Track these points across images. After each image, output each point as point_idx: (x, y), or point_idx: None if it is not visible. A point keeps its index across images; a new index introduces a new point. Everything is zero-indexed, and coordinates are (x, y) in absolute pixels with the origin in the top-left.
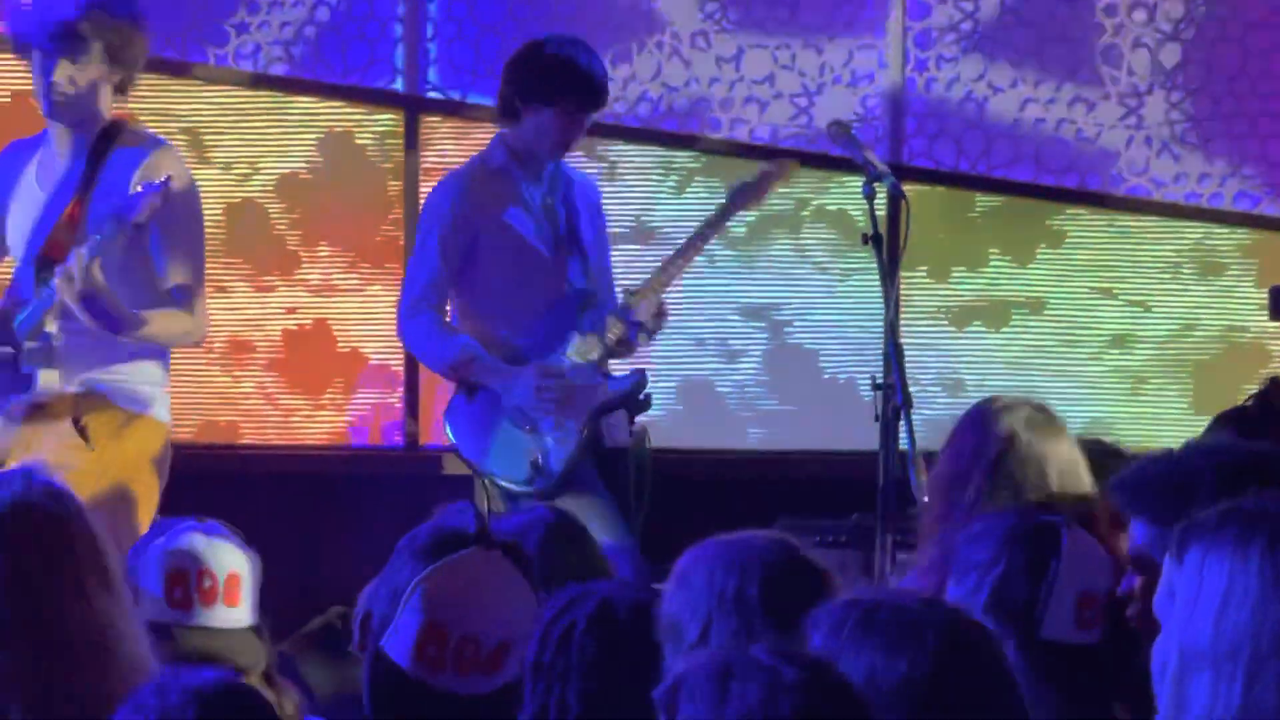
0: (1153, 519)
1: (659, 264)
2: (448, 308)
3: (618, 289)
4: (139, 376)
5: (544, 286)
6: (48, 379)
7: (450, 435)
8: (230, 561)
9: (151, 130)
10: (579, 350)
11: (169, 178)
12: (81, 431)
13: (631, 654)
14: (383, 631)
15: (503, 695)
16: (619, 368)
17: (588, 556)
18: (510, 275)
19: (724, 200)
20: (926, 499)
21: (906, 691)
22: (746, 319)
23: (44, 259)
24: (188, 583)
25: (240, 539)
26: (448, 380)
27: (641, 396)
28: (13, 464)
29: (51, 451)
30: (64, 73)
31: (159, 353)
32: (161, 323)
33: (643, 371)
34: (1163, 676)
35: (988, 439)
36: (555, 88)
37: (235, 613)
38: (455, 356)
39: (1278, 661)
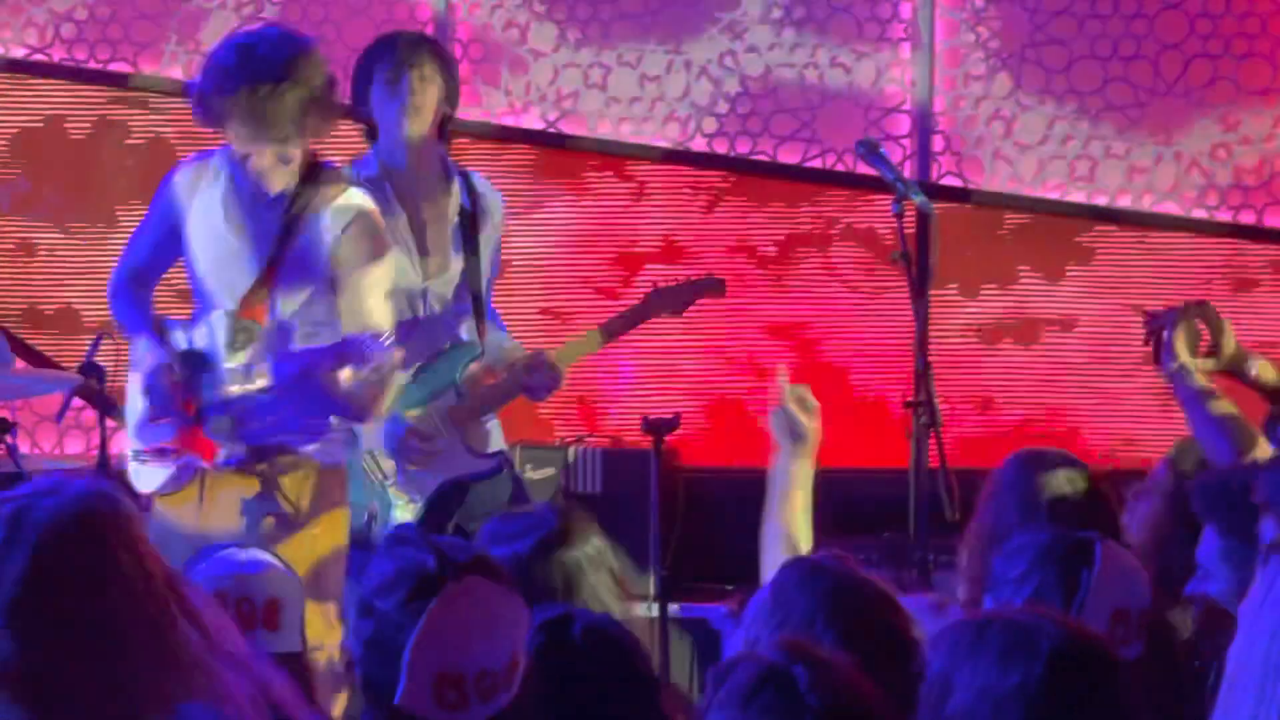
0: (1227, 529)
1: (571, 343)
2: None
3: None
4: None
5: (417, 326)
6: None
7: None
8: (271, 587)
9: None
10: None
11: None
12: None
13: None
14: (388, 691)
15: (519, 697)
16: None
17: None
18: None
19: (643, 302)
20: (965, 554)
21: (1020, 700)
22: (776, 338)
23: (240, 318)
24: (226, 606)
25: (283, 564)
26: None
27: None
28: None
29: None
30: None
31: None
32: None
33: (504, 455)
34: (1225, 680)
35: (1032, 502)
36: (372, 66)
37: (276, 638)
38: None
39: None
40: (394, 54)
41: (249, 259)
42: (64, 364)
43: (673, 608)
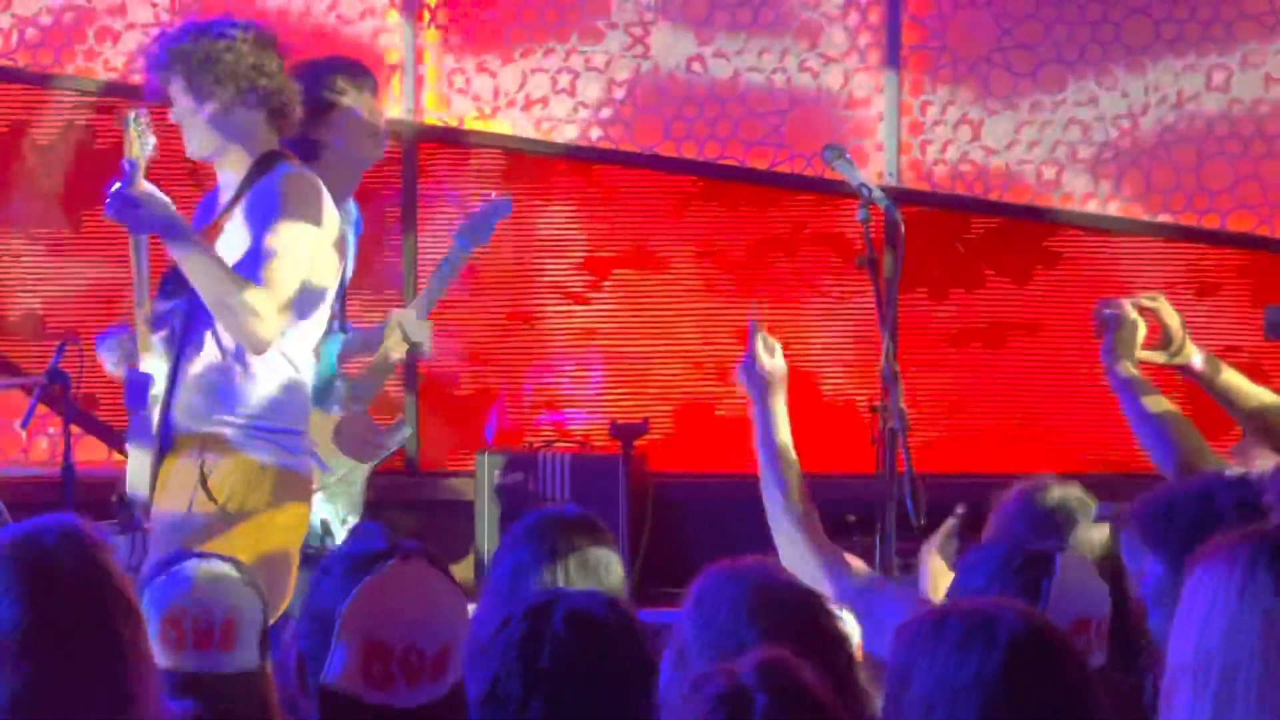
0: (1164, 558)
1: (419, 299)
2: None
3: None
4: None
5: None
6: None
7: None
8: (229, 603)
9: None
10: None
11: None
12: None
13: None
14: (319, 665)
15: (450, 699)
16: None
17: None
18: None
19: (456, 240)
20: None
21: (978, 690)
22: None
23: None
24: (182, 625)
25: (245, 572)
26: None
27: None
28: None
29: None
30: None
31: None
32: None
33: (402, 419)
34: (1162, 693)
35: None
36: (338, 77)
37: (231, 657)
38: None
39: (1247, 673)
40: (364, 77)
41: None
42: (28, 370)
43: (641, 613)
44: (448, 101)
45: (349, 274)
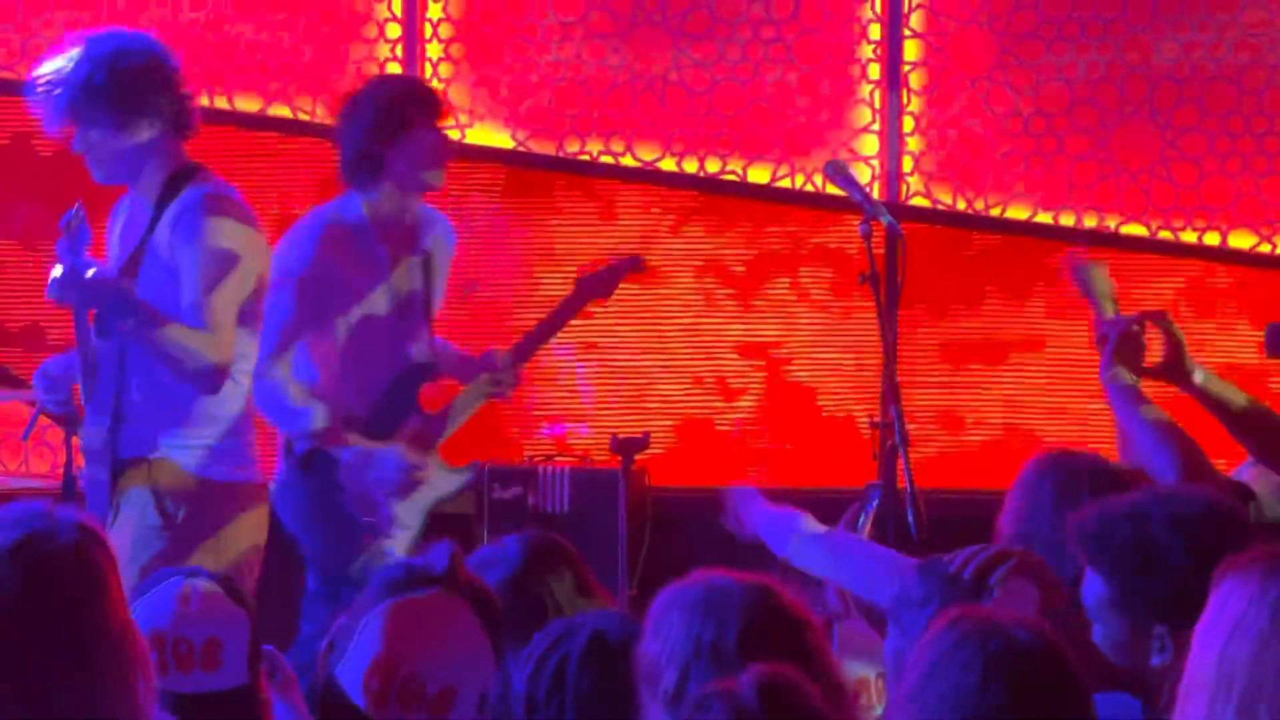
0: (1114, 585)
1: (521, 343)
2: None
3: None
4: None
5: (385, 357)
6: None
7: (275, 510)
8: (212, 621)
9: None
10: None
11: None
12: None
13: (626, 685)
14: (338, 659)
15: None
16: None
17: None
18: (359, 341)
19: (576, 289)
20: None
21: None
22: (745, 358)
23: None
24: (164, 647)
25: (231, 589)
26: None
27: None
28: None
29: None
30: None
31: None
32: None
33: (477, 464)
34: (1178, 703)
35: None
36: (408, 115)
37: (214, 676)
38: (308, 427)
39: (1273, 691)
40: (435, 109)
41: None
42: (29, 381)
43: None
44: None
45: (440, 293)
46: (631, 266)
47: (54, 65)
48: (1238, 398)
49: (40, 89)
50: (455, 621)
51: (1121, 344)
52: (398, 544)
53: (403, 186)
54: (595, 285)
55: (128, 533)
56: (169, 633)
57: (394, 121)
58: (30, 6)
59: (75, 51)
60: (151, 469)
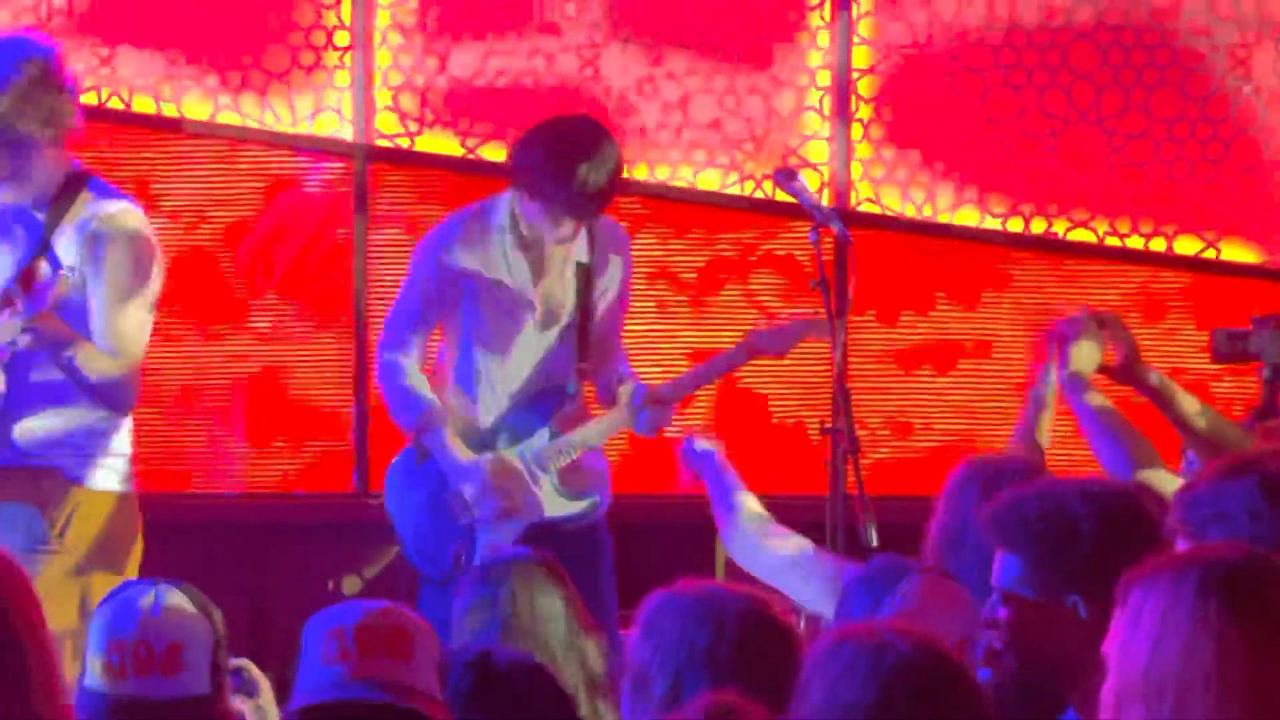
0: (1026, 559)
1: (672, 384)
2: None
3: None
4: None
5: (526, 366)
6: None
7: (386, 491)
8: (174, 629)
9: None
10: (549, 457)
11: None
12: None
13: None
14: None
15: None
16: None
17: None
18: (486, 345)
19: (747, 344)
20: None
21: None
22: (696, 363)
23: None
24: (124, 650)
25: (199, 601)
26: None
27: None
28: None
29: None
30: None
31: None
32: (88, 351)
33: (596, 500)
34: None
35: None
36: (543, 189)
37: (175, 682)
38: (414, 421)
39: (1203, 698)
40: (569, 208)
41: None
42: None
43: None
44: (398, 122)
45: (609, 311)
46: (815, 330)
47: None
48: (1190, 401)
49: None
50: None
51: (1079, 342)
52: (488, 549)
53: (533, 219)
54: (770, 342)
55: (12, 544)
56: (130, 637)
57: (546, 178)
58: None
59: None
60: (36, 476)
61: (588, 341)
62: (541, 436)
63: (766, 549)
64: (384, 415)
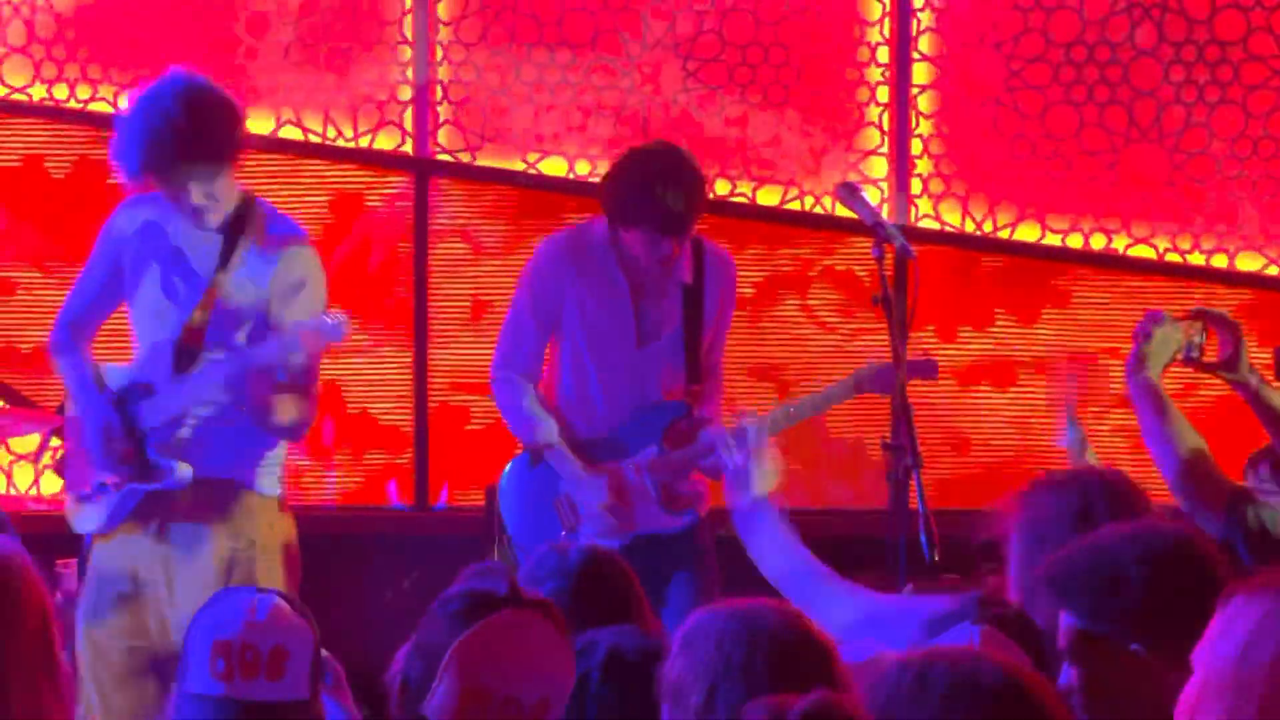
0: (1081, 611)
1: (771, 417)
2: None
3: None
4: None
5: (626, 384)
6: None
7: (499, 497)
8: (278, 634)
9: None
10: (654, 470)
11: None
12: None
13: (645, 698)
14: (421, 696)
15: None
16: None
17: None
18: (589, 361)
19: (854, 380)
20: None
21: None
22: (755, 379)
23: (183, 346)
24: (231, 654)
25: (297, 607)
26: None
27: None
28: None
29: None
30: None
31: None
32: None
33: (698, 511)
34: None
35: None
36: (630, 214)
37: (279, 686)
38: (532, 441)
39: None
40: (656, 228)
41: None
42: (41, 404)
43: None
44: (460, 137)
45: (713, 331)
46: (926, 372)
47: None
48: None
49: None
50: (534, 634)
51: (1149, 343)
52: None
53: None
54: (876, 381)
55: (195, 544)
56: (235, 641)
57: (615, 210)
58: (49, 31)
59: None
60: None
61: (696, 361)
62: (650, 451)
63: (834, 604)
64: (443, 428)
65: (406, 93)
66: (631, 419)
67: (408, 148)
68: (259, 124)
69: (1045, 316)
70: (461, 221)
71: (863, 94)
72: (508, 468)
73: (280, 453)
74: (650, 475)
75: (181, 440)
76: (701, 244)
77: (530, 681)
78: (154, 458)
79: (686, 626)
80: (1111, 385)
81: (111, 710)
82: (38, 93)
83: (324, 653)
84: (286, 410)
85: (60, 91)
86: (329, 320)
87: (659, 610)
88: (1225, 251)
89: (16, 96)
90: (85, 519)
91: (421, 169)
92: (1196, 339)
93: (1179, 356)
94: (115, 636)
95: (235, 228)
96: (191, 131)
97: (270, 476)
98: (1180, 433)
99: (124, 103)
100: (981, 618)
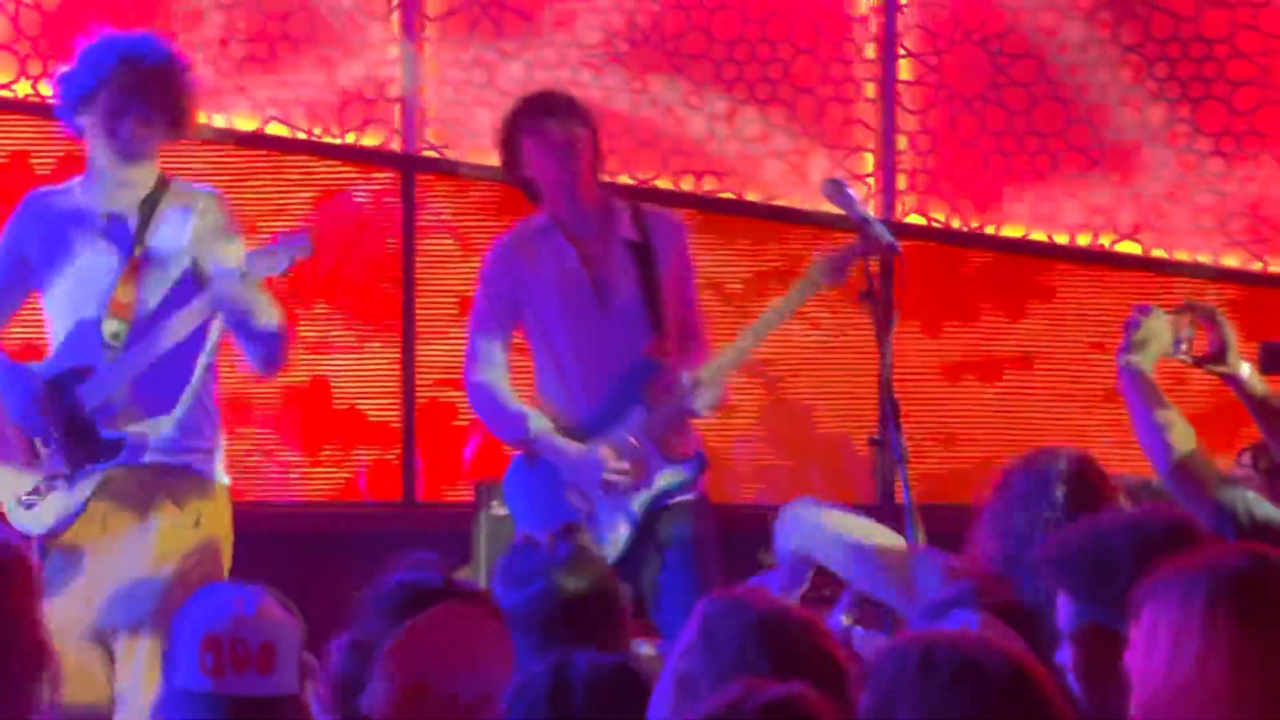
0: (1077, 594)
1: (729, 347)
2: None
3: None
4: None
5: (599, 353)
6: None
7: (505, 501)
8: (267, 628)
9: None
10: (647, 430)
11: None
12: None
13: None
14: (357, 691)
15: None
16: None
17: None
18: (558, 342)
19: (803, 278)
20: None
21: None
22: (741, 373)
23: (114, 320)
24: (220, 649)
25: (283, 602)
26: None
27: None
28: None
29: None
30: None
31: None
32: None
33: (700, 455)
34: None
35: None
36: (514, 133)
37: (268, 681)
38: (516, 436)
39: (1222, 710)
40: (537, 107)
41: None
42: None
43: (646, 649)
44: (446, 134)
45: (690, 295)
46: (868, 248)
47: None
48: (1277, 399)
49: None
50: (472, 628)
51: (1140, 332)
52: (614, 529)
53: (559, 196)
54: (826, 272)
55: (139, 529)
56: (225, 636)
57: (511, 148)
58: (34, 27)
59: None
60: None
61: (660, 316)
62: (638, 414)
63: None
64: (431, 424)
65: (393, 90)
66: (612, 388)
67: (394, 145)
68: (244, 120)
69: (1031, 312)
70: (447, 217)
71: (848, 90)
72: (508, 471)
73: (222, 440)
74: (645, 436)
75: (131, 416)
76: (639, 206)
77: (468, 677)
78: (109, 435)
79: (708, 616)
80: (1099, 380)
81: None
82: (23, 89)
83: (309, 657)
84: (265, 312)
85: (46, 88)
86: (284, 242)
87: (658, 577)
88: (1211, 248)
89: (2, 93)
90: (34, 520)
91: (407, 165)
92: (1185, 333)
93: (1169, 351)
94: (67, 623)
95: (151, 201)
96: (154, 73)
97: (216, 464)
98: (1172, 423)
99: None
100: (979, 605)
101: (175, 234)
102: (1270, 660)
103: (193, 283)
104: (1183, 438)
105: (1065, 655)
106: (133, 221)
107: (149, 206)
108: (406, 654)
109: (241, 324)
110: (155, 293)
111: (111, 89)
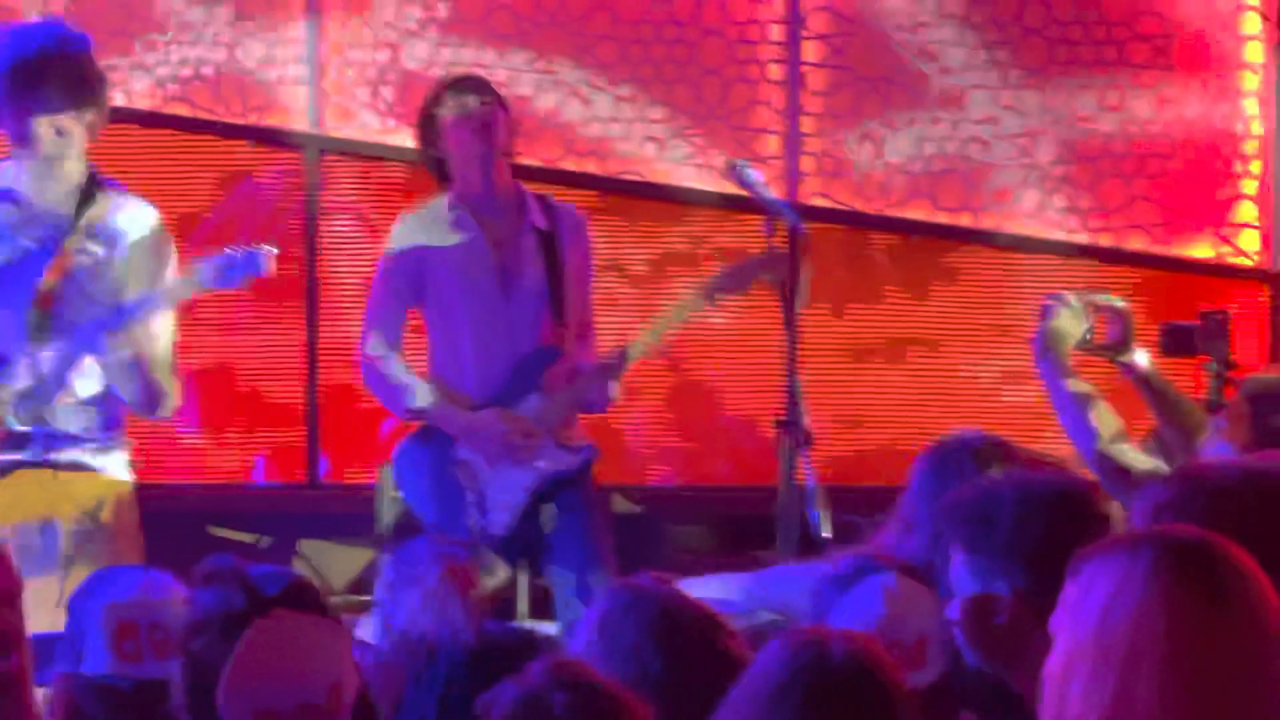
0: (964, 544)
1: (641, 334)
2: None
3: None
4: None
5: (498, 335)
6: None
7: (395, 480)
8: (176, 611)
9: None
10: (541, 416)
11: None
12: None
13: None
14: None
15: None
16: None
17: None
18: (457, 322)
19: (703, 288)
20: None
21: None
22: (646, 356)
23: (37, 312)
24: (138, 635)
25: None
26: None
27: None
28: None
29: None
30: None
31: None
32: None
33: (591, 447)
34: (1050, 684)
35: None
36: (429, 108)
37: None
38: (408, 406)
39: (1150, 666)
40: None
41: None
42: None
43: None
44: (351, 114)
45: (576, 278)
46: (772, 265)
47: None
48: (1172, 389)
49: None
50: (294, 633)
51: (1054, 320)
52: (505, 509)
53: (474, 174)
54: (727, 281)
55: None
56: (143, 619)
57: (430, 124)
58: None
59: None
60: None
61: (561, 305)
62: (533, 399)
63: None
64: (335, 406)
65: (300, 70)
66: (509, 372)
67: (299, 125)
68: (145, 99)
69: (935, 294)
70: (352, 198)
71: (752, 72)
72: (398, 450)
73: (126, 439)
74: (539, 422)
75: (42, 411)
76: (548, 197)
77: (312, 679)
78: (18, 429)
79: (608, 609)
80: (1003, 362)
81: None
82: None
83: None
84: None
85: None
86: (239, 254)
87: (550, 550)
88: (1112, 231)
89: None
90: None
91: (311, 146)
92: (1086, 323)
93: (1081, 339)
94: None
95: (84, 196)
96: (52, 61)
97: (121, 459)
98: (1097, 412)
99: None
100: (889, 568)
101: (107, 240)
102: (1205, 627)
103: (118, 292)
104: (1106, 424)
105: (952, 609)
106: (63, 218)
107: (81, 203)
108: (244, 686)
109: (137, 364)
110: (79, 290)
111: (9, 88)
